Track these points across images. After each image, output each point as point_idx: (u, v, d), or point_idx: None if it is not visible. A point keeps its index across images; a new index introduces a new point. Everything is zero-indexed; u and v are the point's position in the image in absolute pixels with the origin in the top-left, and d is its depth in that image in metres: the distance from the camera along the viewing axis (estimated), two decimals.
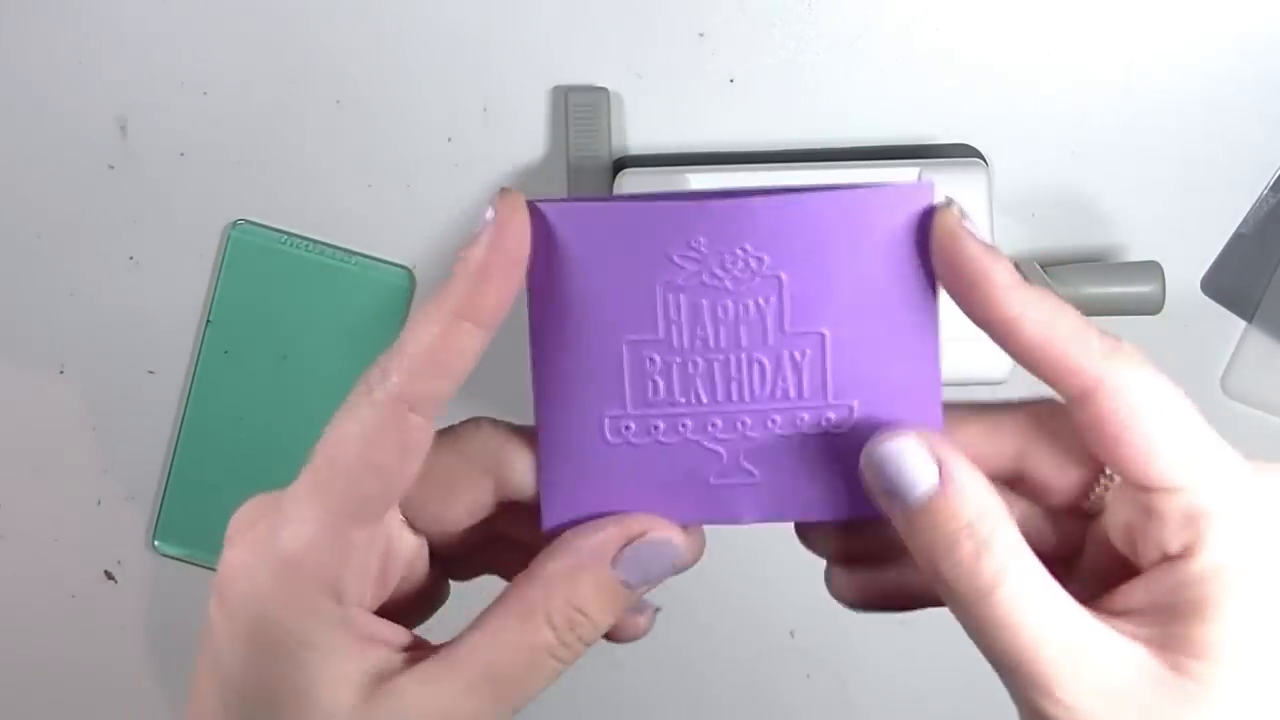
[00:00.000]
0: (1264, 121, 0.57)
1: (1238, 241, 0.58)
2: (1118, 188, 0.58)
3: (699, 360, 0.33)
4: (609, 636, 0.36)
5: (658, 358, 0.33)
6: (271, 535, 0.33)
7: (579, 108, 0.56)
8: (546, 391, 0.34)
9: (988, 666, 0.35)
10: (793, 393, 0.33)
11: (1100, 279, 0.56)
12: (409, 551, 0.35)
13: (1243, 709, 0.30)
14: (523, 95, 0.57)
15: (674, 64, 0.56)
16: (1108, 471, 0.34)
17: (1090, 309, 0.56)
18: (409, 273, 0.60)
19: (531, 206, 0.32)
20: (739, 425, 0.34)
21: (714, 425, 0.34)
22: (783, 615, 0.65)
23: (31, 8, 0.57)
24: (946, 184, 0.54)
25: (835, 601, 0.40)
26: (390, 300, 0.60)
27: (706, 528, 0.35)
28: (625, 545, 0.33)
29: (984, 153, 0.57)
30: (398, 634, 0.34)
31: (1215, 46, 0.56)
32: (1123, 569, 0.34)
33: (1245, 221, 0.58)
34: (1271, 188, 0.57)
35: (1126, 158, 0.57)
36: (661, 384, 0.33)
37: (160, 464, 0.63)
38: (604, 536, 0.33)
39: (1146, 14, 0.55)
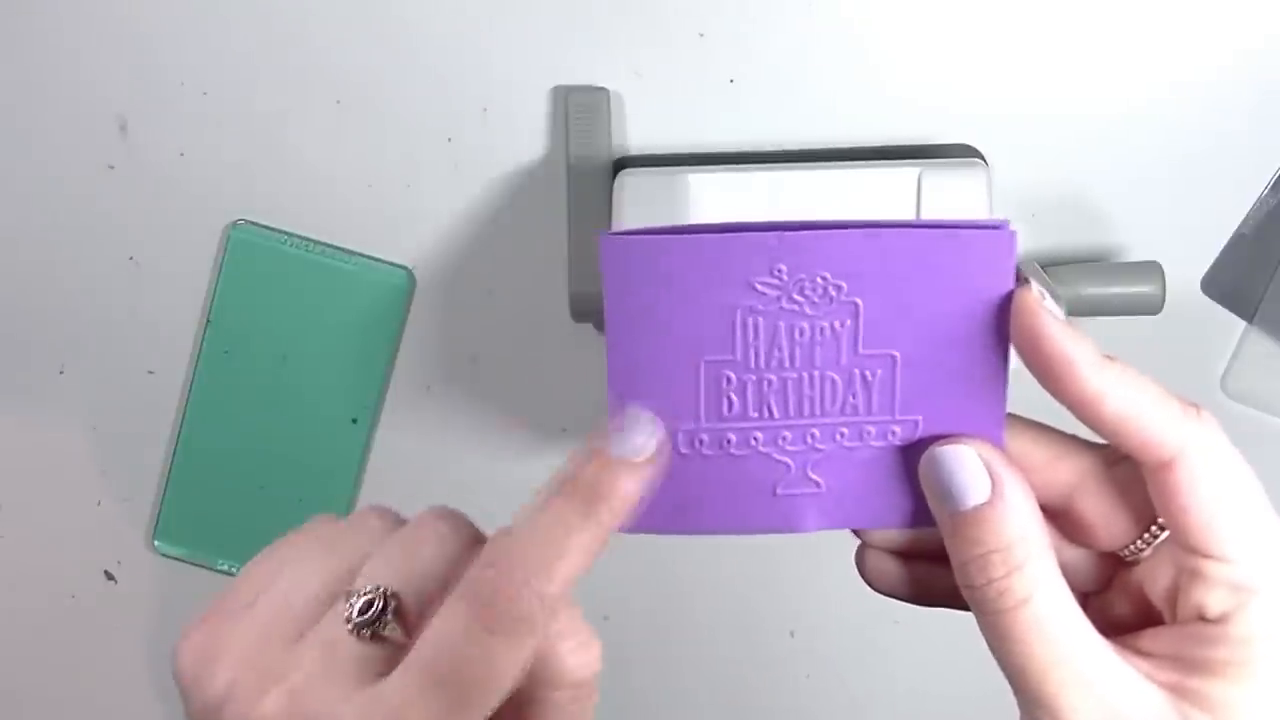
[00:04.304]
0: (1264, 122, 0.57)
1: (1238, 241, 0.58)
2: (1118, 188, 0.58)
3: (773, 378, 0.34)
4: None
5: (734, 376, 0.34)
6: None
7: (579, 108, 0.56)
8: (621, 406, 0.34)
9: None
10: (861, 408, 0.34)
11: (1100, 279, 0.56)
12: None
13: None
14: (523, 95, 0.57)
15: (674, 64, 0.56)
16: (1154, 529, 0.35)
17: (1090, 309, 0.56)
18: (409, 273, 0.60)
19: (615, 238, 0.33)
20: (808, 438, 0.35)
21: (784, 438, 0.35)
22: (783, 615, 0.65)
23: (32, 8, 0.57)
24: (946, 184, 0.54)
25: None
26: (390, 300, 0.60)
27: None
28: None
29: (984, 153, 0.57)
30: None
31: (1215, 46, 0.56)
32: (1143, 617, 0.35)
33: (1245, 221, 0.58)
34: (1271, 188, 0.57)
35: (1127, 158, 0.57)
36: (736, 400, 0.34)
37: (160, 464, 0.63)
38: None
39: (1147, 14, 0.55)
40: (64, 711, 0.68)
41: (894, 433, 0.35)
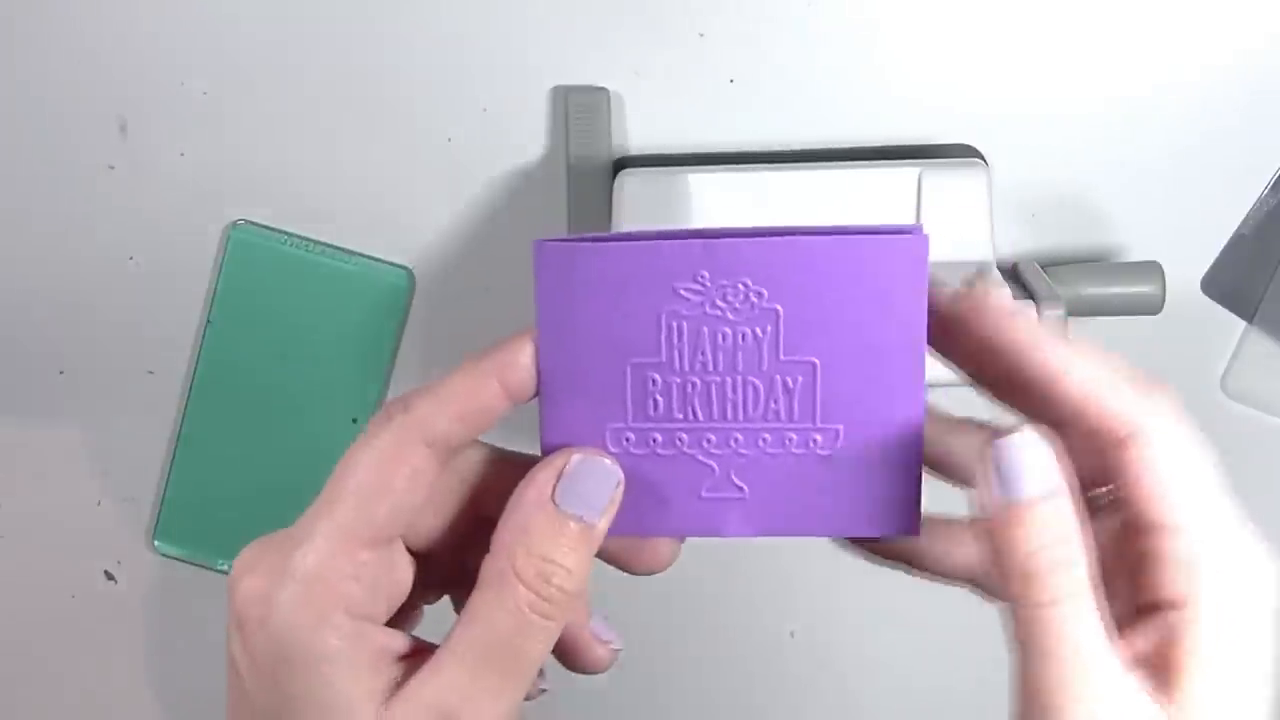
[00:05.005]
0: (1264, 122, 0.57)
1: (1238, 241, 0.58)
2: (1118, 188, 0.58)
3: (697, 381, 0.35)
4: (572, 667, 0.38)
5: (659, 378, 0.35)
6: (284, 560, 0.34)
7: (579, 108, 0.56)
8: (552, 403, 0.35)
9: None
10: (783, 415, 0.35)
11: (1100, 279, 0.56)
12: (406, 572, 0.36)
13: None
14: (523, 95, 0.57)
15: (674, 64, 0.56)
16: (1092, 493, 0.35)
17: (1090, 309, 0.56)
18: (409, 273, 0.60)
19: (545, 243, 0.34)
20: (732, 441, 0.35)
21: (708, 440, 0.35)
22: (783, 615, 0.65)
23: (31, 8, 0.57)
24: (946, 184, 0.54)
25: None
26: (390, 300, 0.60)
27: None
28: (559, 480, 0.34)
29: (984, 153, 0.57)
30: (404, 642, 0.35)
31: (1215, 46, 0.56)
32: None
33: (1245, 222, 0.58)
34: (1271, 188, 0.57)
35: (1127, 158, 0.57)
36: (661, 401, 0.35)
37: (160, 464, 0.63)
38: (539, 479, 0.34)
39: (1146, 15, 0.55)
40: (64, 711, 0.68)
41: (815, 441, 0.35)
